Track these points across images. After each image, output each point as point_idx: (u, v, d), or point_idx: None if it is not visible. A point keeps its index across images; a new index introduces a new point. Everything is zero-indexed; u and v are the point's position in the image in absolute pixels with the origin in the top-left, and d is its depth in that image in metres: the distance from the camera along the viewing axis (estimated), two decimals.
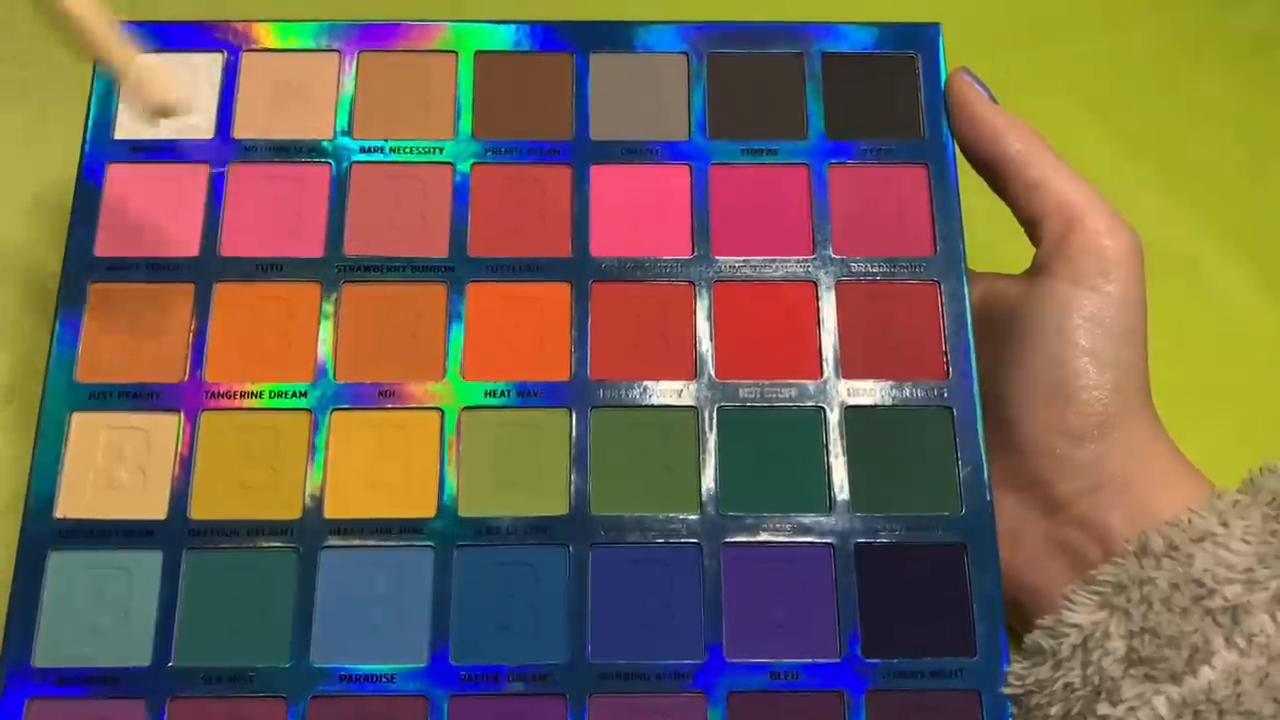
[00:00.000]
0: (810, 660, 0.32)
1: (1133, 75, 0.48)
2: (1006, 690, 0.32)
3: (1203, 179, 0.47)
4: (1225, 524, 0.31)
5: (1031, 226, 0.36)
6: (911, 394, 0.35)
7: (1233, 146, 0.47)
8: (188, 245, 0.35)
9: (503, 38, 0.38)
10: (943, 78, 0.38)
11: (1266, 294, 0.45)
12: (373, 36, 0.38)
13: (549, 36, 0.38)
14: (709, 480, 0.34)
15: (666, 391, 0.34)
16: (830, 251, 0.36)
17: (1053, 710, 0.32)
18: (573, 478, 0.34)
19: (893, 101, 0.38)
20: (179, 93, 0.31)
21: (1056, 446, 0.34)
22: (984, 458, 0.34)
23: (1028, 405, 0.34)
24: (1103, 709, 0.30)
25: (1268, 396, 0.43)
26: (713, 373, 0.35)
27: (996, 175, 0.36)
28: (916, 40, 0.38)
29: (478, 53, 0.38)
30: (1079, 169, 0.36)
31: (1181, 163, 0.47)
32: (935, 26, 0.38)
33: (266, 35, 0.37)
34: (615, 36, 0.38)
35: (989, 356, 0.36)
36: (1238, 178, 0.47)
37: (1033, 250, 0.36)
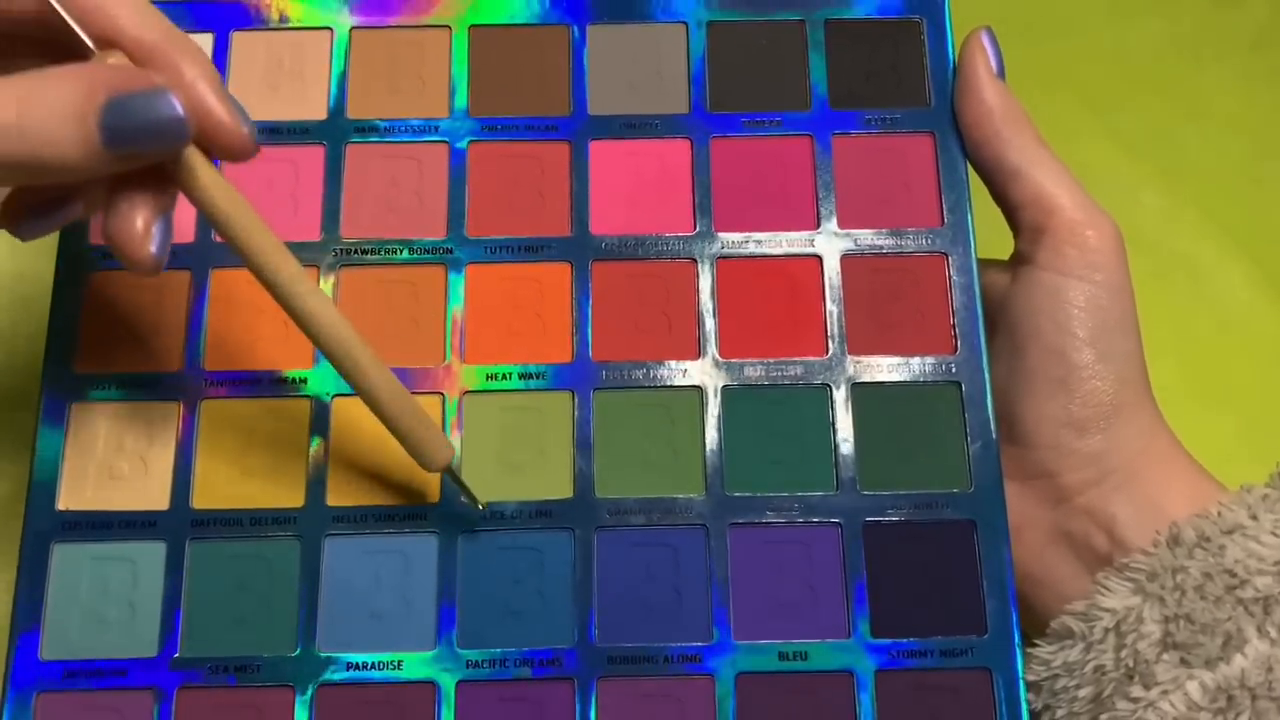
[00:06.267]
0: (819, 640, 0.32)
1: (1133, 74, 0.48)
2: (1030, 676, 0.32)
3: (1203, 178, 0.46)
4: (1255, 517, 0.32)
5: (1009, 214, 0.36)
6: (919, 369, 0.34)
7: (1232, 146, 0.47)
8: (183, 231, 0.35)
9: (499, 9, 0.37)
10: (949, 43, 0.37)
11: (1266, 294, 0.45)
12: (366, 10, 0.37)
13: (546, 6, 0.37)
14: (714, 461, 0.33)
15: (670, 371, 0.34)
16: (835, 225, 0.35)
17: (1081, 693, 0.32)
18: (577, 461, 0.33)
19: (897, 69, 0.37)
20: (450, 452, 0.31)
21: (1061, 438, 0.34)
22: (993, 433, 0.34)
23: (1030, 398, 0.34)
24: (1135, 691, 0.31)
25: (1268, 396, 0.43)
26: (717, 351, 0.34)
27: (978, 156, 0.35)
28: (922, 5, 0.37)
29: (472, 26, 0.37)
30: (1078, 168, 0.35)
31: (1181, 162, 0.47)
32: None
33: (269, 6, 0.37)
34: (615, 6, 0.37)
35: None
36: (1237, 177, 0.46)
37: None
